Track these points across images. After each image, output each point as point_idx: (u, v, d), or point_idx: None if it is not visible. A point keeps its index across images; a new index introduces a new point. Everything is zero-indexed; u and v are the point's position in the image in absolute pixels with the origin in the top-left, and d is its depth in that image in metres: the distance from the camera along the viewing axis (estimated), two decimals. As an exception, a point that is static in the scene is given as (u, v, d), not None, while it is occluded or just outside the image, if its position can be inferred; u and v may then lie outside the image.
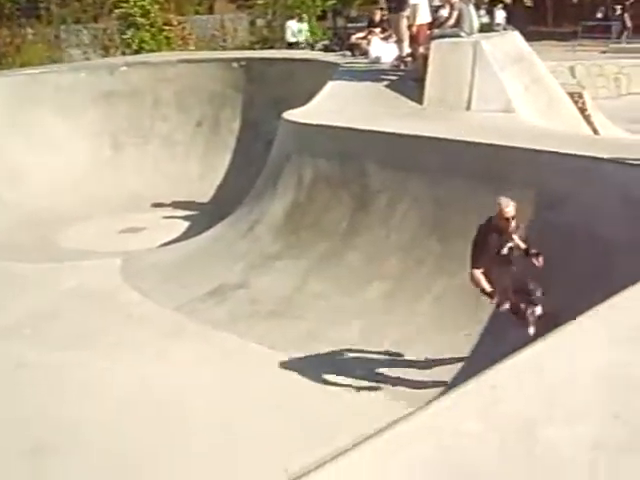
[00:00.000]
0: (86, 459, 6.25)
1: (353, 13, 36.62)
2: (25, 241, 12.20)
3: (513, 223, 6.46)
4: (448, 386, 6.47)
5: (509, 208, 6.42)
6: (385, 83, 11.87)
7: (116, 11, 25.14)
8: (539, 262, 6.49)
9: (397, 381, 7.05)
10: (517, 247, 6.58)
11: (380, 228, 8.96)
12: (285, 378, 7.24)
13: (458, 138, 8.84)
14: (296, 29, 19.89)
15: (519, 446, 3.50)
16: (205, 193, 14.14)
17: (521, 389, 3.96)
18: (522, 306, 6.66)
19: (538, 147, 8.18)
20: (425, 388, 6.74)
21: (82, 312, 9.11)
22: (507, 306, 6.67)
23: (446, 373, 7.00)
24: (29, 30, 25.88)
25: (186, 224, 12.96)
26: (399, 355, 7.50)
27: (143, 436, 6.45)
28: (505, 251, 6.56)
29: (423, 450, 3.50)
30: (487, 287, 6.54)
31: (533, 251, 6.56)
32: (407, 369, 7.23)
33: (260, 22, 28.35)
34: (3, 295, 9.67)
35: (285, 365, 7.43)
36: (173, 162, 15.01)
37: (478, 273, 6.53)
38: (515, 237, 6.55)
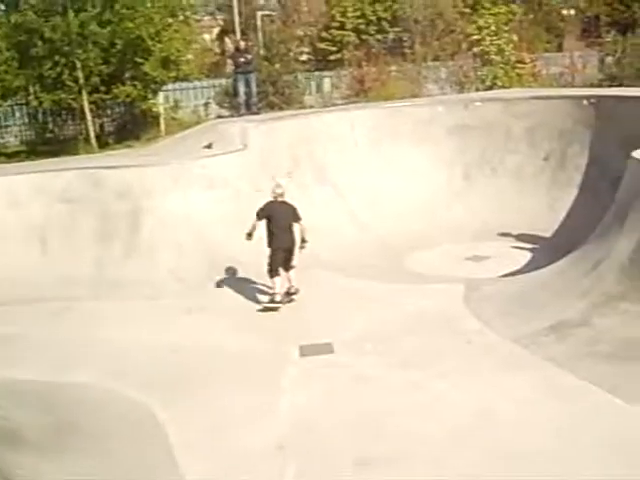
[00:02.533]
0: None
1: None
2: (377, 262, 13.27)
3: None
4: None
5: None
6: None
7: (474, 49, 26.44)
8: None
9: None
10: None
11: None
12: (626, 425, 7.00)
13: None
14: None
15: None
16: (549, 227, 14.12)
17: None
18: None
19: None
20: None
21: (423, 334, 9.65)
22: None
23: None
24: (393, 67, 28.26)
25: (528, 256, 13.11)
26: None
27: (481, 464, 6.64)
28: None
29: None
30: None
31: None
32: None
33: (609, 60, 27.59)
34: (349, 312, 10.62)
35: (627, 411, 7.17)
36: (520, 194, 15.24)
37: None
38: None
